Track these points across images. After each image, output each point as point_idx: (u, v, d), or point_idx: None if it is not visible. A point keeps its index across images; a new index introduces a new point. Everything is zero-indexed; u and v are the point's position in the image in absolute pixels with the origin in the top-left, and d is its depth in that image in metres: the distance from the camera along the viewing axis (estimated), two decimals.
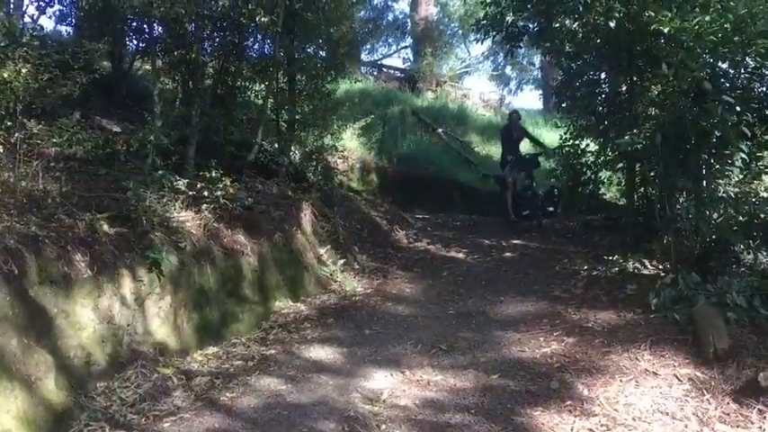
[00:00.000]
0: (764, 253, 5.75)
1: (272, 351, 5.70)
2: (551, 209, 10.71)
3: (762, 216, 5.80)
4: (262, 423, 4.42)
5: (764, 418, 4.20)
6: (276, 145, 8.89)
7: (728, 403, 4.43)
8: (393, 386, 4.98)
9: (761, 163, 6.40)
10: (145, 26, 7.52)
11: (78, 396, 4.34)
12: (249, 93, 8.68)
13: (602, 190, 10.48)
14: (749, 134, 6.13)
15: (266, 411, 4.59)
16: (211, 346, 5.68)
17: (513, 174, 10.93)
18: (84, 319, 4.62)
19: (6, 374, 3.86)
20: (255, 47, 8.81)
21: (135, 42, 8.60)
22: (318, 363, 5.40)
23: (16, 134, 4.85)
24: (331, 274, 7.75)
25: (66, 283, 4.57)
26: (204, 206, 6.24)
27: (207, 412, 4.58)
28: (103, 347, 4.71)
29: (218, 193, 6.38)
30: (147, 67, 8.11)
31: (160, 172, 5.75)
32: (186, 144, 6.75)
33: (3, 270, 4.15)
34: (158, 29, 7.24)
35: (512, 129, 11.42)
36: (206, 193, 6.30)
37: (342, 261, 8.15)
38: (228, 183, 6.55)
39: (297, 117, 8.78)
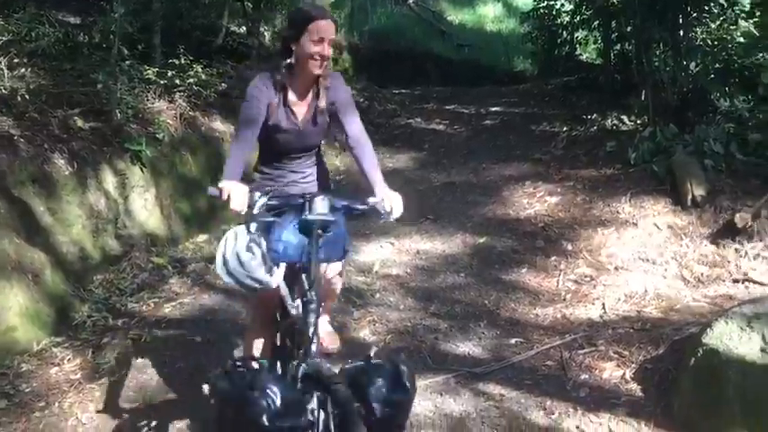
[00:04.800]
0: (741, 99, 5.78)
1: None
2: None
3: (738, 61, 5.78)
4: None
5: (740, 256, 4.39)
6: (244, 27, 8.58)
7: (706, 245, 4.62)
8: (384, 257, 5.12)
9: (737, 8, 6.30)
10: None
11: (77, 289, 4.42)
12: None
13: (579, 51, 10.33)
14: None
15: None
16: (201, 234, 5.74)
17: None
18: (72, 216, 4.62)
19: (3, 274, 3.91)
20: None
21: None
22: None
23: None
24: None
25: (48, 182, 4.53)
26: (177, 95, 6.09)
27: (205, 296, 4.72)
28: (95, 242, 4.75)
29: (190, 80, 6.21)
30: None
31: (128, 62, 5.56)
32: (151, 32, 6.49)
33: None
34: None
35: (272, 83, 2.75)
36: (177, 82, 6.13)
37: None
38: (200, 69, 6.35)
39: None
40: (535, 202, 5.85)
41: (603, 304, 4.18)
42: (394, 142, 8.45)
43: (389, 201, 2.67)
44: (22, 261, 4.08)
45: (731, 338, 2.95)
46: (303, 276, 2.44)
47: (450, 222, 5.64)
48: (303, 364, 2.21)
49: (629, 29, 6.99)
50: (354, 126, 2.90)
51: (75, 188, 4.72)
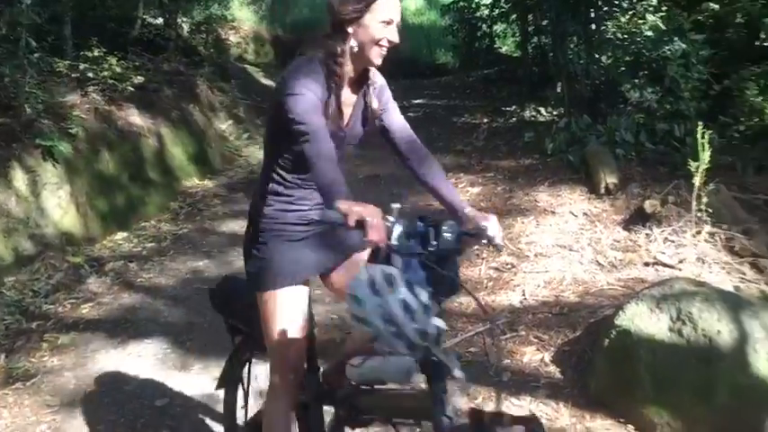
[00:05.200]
0: (649, 90, 6.02)
1: (185, 230, 5.68)
2: None
3: (647, 54, 6.03)
4: (183, 298, 4.48)
5: (650, 241, 4.59)
6: (160, 18, 8.36)
7: (619, 231, 4.81)
8: None
9: (645, 2, 6.57)
10: None
11: None
12: None
13: (498, 43, 10.56)
14: None
15: (186, 287, 4.64)
16: (120, 232, 5.58)
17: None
18: None
19: None
20: None
21: None
22: (232, 236, 5.42)
23: None
24: (236, 149, 7.63)
25: None
26: (91, 88, 5.90)
27: (125, 295, 4.59)
28: (6, 242, 4.55)
29: (105, 73, 6.04)
30: None
31: (36, 55, 5.33)
32: (61, 23, 6.24)
33: None
34: None
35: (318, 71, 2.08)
36: (91, 75, 5.94)
37: (245, 135, 8.01)
38: (114, 62, 6.18)
39: None
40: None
41: (524, 290, 4.29)
42: None
43: (491, 225, 2.10)
44: None
45: (642, 319, 3.08)
46: None
47: None
48: None
49: (544, 22, 7.20)
50: (407, 131, 2.31)
51: None
